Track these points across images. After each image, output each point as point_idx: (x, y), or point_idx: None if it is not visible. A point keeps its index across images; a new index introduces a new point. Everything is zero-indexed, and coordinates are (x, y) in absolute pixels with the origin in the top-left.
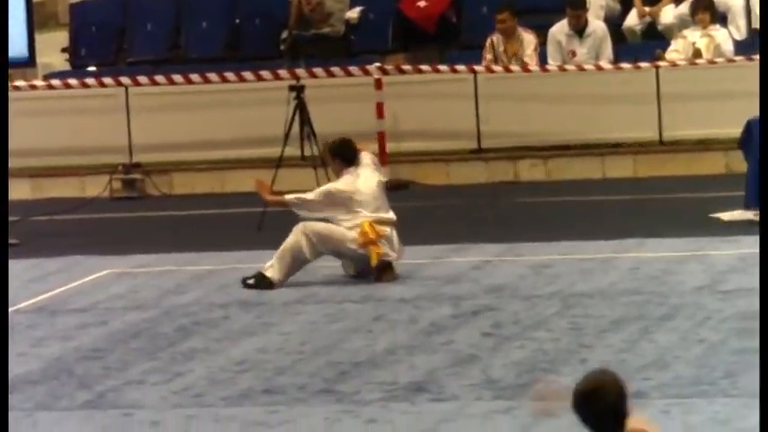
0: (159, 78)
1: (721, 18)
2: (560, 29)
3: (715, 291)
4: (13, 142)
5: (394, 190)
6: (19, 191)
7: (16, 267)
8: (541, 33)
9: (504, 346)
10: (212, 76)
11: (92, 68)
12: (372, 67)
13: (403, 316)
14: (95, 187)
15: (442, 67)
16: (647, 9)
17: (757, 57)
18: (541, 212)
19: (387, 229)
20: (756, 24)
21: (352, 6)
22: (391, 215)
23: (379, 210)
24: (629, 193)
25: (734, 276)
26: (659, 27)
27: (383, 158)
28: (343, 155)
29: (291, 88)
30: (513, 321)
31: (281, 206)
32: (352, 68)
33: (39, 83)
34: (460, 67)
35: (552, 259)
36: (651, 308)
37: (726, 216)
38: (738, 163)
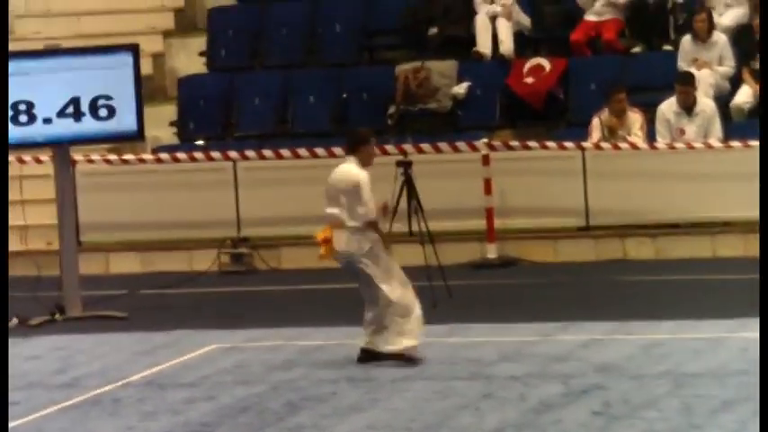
0: (267, 152)
1: None
2: (669, 106)
3: None
4: (122, 216)
5: (501, 267)
6: (128, 264)
7: (125, 340)
8: (649, 111)
9: (614, 426)
10: (319, 150)
11: (200, 142)
12: (480, 143)
13: (512, 394)
14: (203, 261)
15: (550, 144)
16: (759, 87)
17: None
18: (650, 291)
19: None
20: None
21: (459, 82)
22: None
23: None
24: (740, 272)
25: None
26: None
27: (490, 235)
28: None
29: (399, 163)
30: (623, 401)
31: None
32: (460, 144)
33: (147, 156)
34: (569, 144)
35: (662, 338)
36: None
37: None
38: None
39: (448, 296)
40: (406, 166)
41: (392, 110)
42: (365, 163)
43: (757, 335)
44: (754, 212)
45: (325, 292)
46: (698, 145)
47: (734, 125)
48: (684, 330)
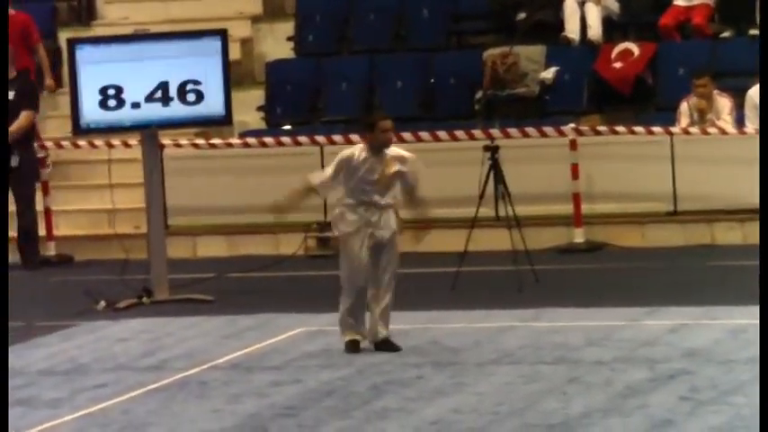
0: (354, 137)
1: None
2: (758, 92)
3: None
4: (210, 200)
5: (588, 251)
6: (214, 248)
7: (211, 324)
8: (738, 95)
9: (701, 411)
10: (406, 135)
11: (287, 127)
12: (567, 128)
13: (598, 378)
14: (290, 245)
15: (638, 129)
16: None
17: None
18: (738, 276)
19: None
20: None
21: (547, 67)
22: None
23: None
24: None
25: None
26: None
27: (577, 220)
28: None
29: (486, 148)
30: (710, 386)
31: None
32: (547, 129)
33: (235, 141)
34: (657, 129)
35: (749, 323)
36: None
37: None
38: None
39: (534, 281)
40: (493, 150)
41: (479, 95)
42: (373, 147)
43: None
44: None
45: (410, 276)
46: None
47: None
48: None
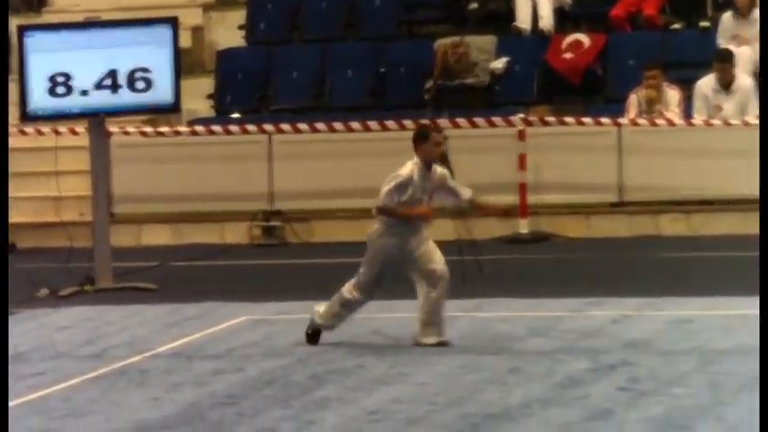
0: (302, 126)
1: None
2: (707, 83)
3: None
4: (156, 188)
5: (533, 242)
6: (159, 236)
7: (153, 312)
8: (687, 87)
9: (641, 402)
10: (355, 124)
11: (236, 115)
12: (516, 119)
13: (539, 369)
14: (235, 234)
15: (587, 120)
16: None
17: None
18: (682, 267)
19: None
20: None
21: (497, 57)
22: None
23: None
24: None
25: None
26: None
27: (523, 210)
28: None
29: None
30: (651, 377)
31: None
32: (496, 119)
33: (183, 129)
34: (605, 120)
35: (691, 315)
36: None
37: None
38: None
39: (479, 271)
40: None
41: (429, 84)
42: (425, 158)
43: None
44: None
45: (355, 266)
46: (735, 122)
47: None
48: (714, 307)
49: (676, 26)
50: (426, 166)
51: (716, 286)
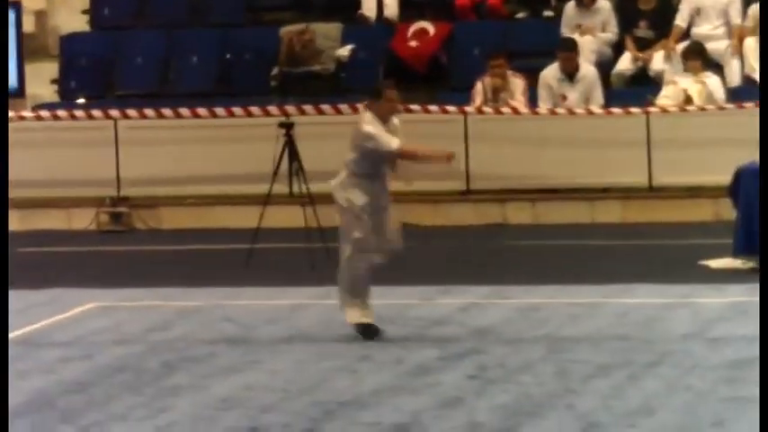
0: (148, 112)
1: (714, 65)
2: (551, 72)
3: (702, 338)
4: None
5: None
6: None
7: None
8: (532, 76)
9: (490, 390)
10: (202, 110)
11: (81, 101)
12: (362, 106)
13: (389, 357)
14: (82, 220)
15: (433, 108)
16: (639, 54)
17: (749, 104)
18: (529, 256)
19: None
20: (749, 71)
21: (343, 44)
22: None
23: None
24: (618, 238)
25: (721, 324)
26: (650, 73)
27: None
28: None
29: (281, 125)
30: (499, 365)
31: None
32: (342, 106)
33: (27, 114)
34: (451, 108)
35: (539, 303)
36: (638, 354)
37: (714, 264)
38: (727, 211)
39: (326, 258)
40: (288, 127)
41: (275, 71)
42: (381, 114)
43: (635, 300)
44: (632, 179)
45: (203, 252)
46: (579, 111)
47: (615, 92)
48: (562, 295)
49: (520, 15)
50: (383, 120)
51: (563, 274)
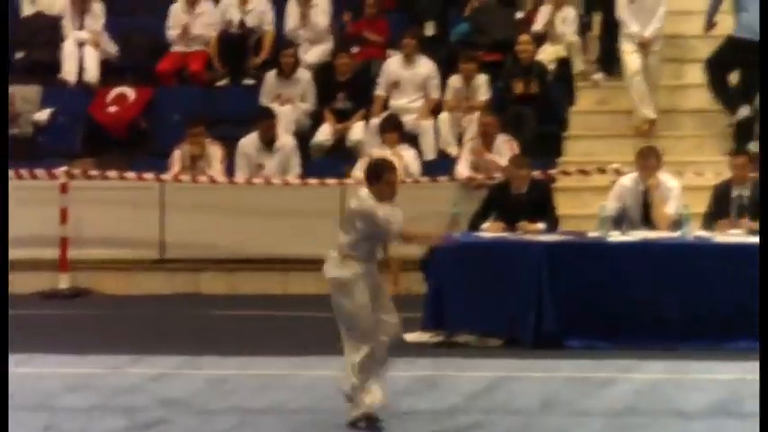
0: None
1: (410, 138)
2: (250, 141)
3: (392, 412)
4: None
5: (73, 298)
6: None
7: None
8: (231, 144)
9: None
10: None
11: None
12: (59, 171)
13: (74, 426)
14: None
15: (129, 175)
16: (338, 125)
17: (443, 178)
18: (221, 326)
19: None
20: (443, 145)
21: (42, 108)
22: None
23: None
24: (310, 309)
25: (408, 399)
26: (348, 144)
27: (63, 265)
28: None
29: None
30: None
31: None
32: (39, 171)
33: None
34: (147, 176)
35: (229, 374)
36: (325, 426)
37: (408, 337)
38: (417, 284)
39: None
40: None
41: None
42: (381, 198)
43: (326, 372)
44: (326, 249)
45: None
46: (276, 181)
47: (313, 162)
48: (252, 366)
49: (222, 82)
50: (379, 202)
51: (254, 345)
